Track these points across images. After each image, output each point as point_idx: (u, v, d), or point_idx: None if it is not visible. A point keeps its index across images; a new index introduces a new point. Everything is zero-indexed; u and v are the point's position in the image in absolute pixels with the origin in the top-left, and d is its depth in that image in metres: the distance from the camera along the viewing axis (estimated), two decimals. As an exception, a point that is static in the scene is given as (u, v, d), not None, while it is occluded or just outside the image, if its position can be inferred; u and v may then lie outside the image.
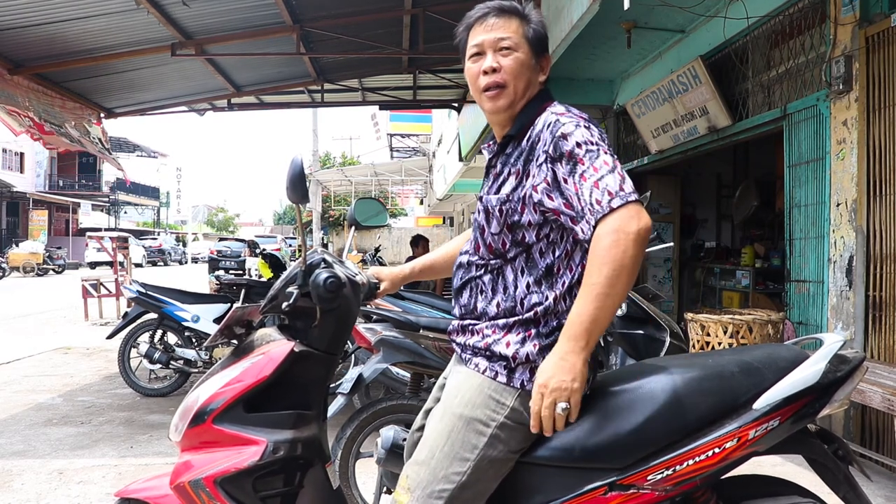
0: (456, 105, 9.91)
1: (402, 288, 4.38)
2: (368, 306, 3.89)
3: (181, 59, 6.30)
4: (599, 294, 1.29)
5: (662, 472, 1.35)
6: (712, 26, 5.19)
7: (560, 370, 1.31)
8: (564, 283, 1.44)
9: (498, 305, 1.47)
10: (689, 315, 4.38)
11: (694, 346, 4.31)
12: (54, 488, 3.39)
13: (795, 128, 4.41)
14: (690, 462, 1.35)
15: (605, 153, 1.36)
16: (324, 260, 1.68)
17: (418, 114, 21.24)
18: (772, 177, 7.50)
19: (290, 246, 23.05)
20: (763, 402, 1.36)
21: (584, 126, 1.40)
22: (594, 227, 1.32)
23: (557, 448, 1.41)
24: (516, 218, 1.44)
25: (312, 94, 9.44)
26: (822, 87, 4.11)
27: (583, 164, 1.35)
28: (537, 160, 1.42)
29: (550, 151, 1.39)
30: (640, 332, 3.30)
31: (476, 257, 1.53)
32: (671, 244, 6.05)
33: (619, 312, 3.35)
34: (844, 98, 3.89)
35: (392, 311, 3.92)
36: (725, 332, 4.10)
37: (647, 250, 3.54)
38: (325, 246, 25.19)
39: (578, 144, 1.37)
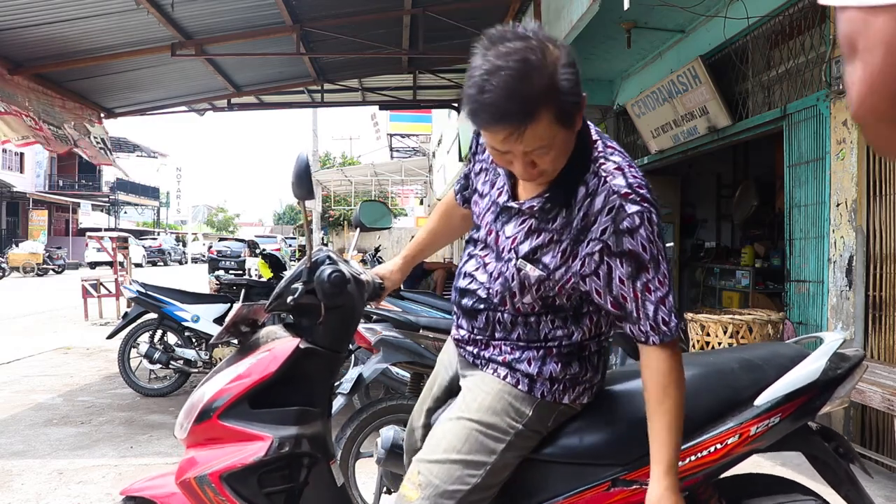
0: (456, 105, 9.91)
1: (401, 288, 4.41)
2: (369, 306, 3.89)
3: (181, 59, 6.30)
4: (675, 422, 1.27)
5: (665, 468, 1.36)
6: (712, 26, 5.19)
7: None
8: (593, 318, 1.41)
9: (518, 336, 1.42)
10: (689, 315, 4.38)
11: (694, 346, 4.32)
12: (54, 488, 3.38)
13: (795, 128, 4.41)
14: (692, 458, 1.36)
15: (663, 258, 1.28)
16: (329, 257, 1.68)
17: (418, 114, 21.23)
18: (772, 177, 7.51)
19: (290, 246, 23.05)
20: (764, 398, 1.37)
21: (648, 217, 1.25)
22: (656, 346, 1.29)
23: (562, 445, 1.42)
24: (552, 294, 1.36)
25: (312, 94, 9.44)
26: (822, 87, 4.12)
27: (648, 273, 1.26)
28: (588, 242, 1.28)
29: (612, 245, 1.26)
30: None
31: (497, 301, 1.41)
32: (671, 244, 6.05)
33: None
34: (844, 98, 3.89)
35: (392, 311, 3.92)
36: (725, 332, 4.10)
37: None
38: (324, 245, 25.12)
39: (644, 248, 1.25)
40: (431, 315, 4.01)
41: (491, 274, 1.42)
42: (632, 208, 1.25)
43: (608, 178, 1.28)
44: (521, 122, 1.15)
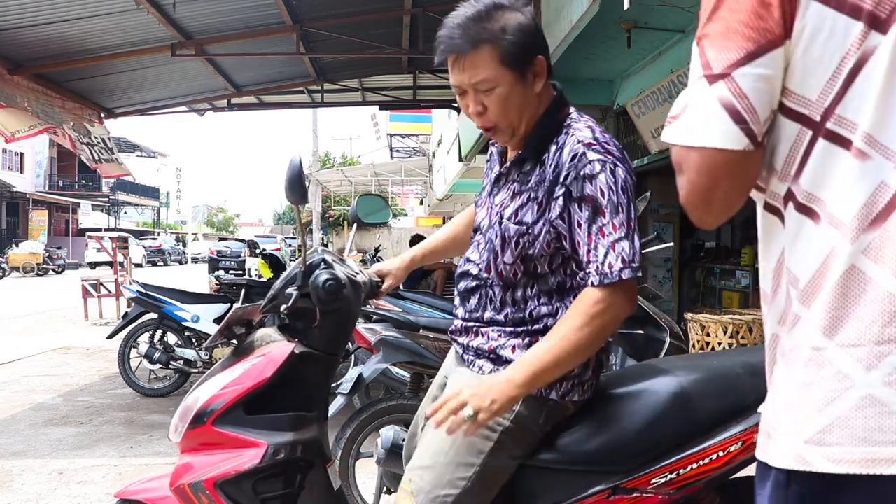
0: (456, 105, 9.89)
1: (401, 288, 4.40)
2: (368, 306, 3.89)
3: (181, 60, 6.30)
4: (568, 351, 1.29)
5: (666, 476, 1.34)
6: (713, 26, 5.18)
7: (491, 388, 1.28)
8: (575, 295, 1.41)
9: (506, 316, 1.44)
10: (689, 315, 4.38)
11: (694, 347, 4.31)
12: (54, 488, 3.38)
13: (796, 128, 4.39)
14: (695, 465, 1.34)
15: (625, 209, 1.31)
16: (324, 260, 1.66)
17: (418, 114, 21.22)
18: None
19: (290, 246, 22.99)
20: (768, 404, 1.36)
21: (611, 167, 1.32)
22: (594, 286, 1.30)
23: (560, 451, 1.41)
24: (531, 252, 1.40)
25: (312, 94, 9.44)
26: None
27: (604, 217, 1.31)
28: (556, 192, 1.36)
29: (572, 190, 1.33)
30: (640, 332, 3.29)
31: (485, 274, 1.47)
32: (671, 244, 6.01)
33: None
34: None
35: (392, 311, 3.91)
36: (725, 332, 4.10)
37: (647, 250, 3.54)
38: (324, 246, 25.13)
39: (602, 192, 1.31)
40: (431, 315, 4.00)
41: (482, 249, 1.50)
42: (593, 156, 1.33)
43: (576, 133, 1.38)
44: (463, 50, 1.32)
